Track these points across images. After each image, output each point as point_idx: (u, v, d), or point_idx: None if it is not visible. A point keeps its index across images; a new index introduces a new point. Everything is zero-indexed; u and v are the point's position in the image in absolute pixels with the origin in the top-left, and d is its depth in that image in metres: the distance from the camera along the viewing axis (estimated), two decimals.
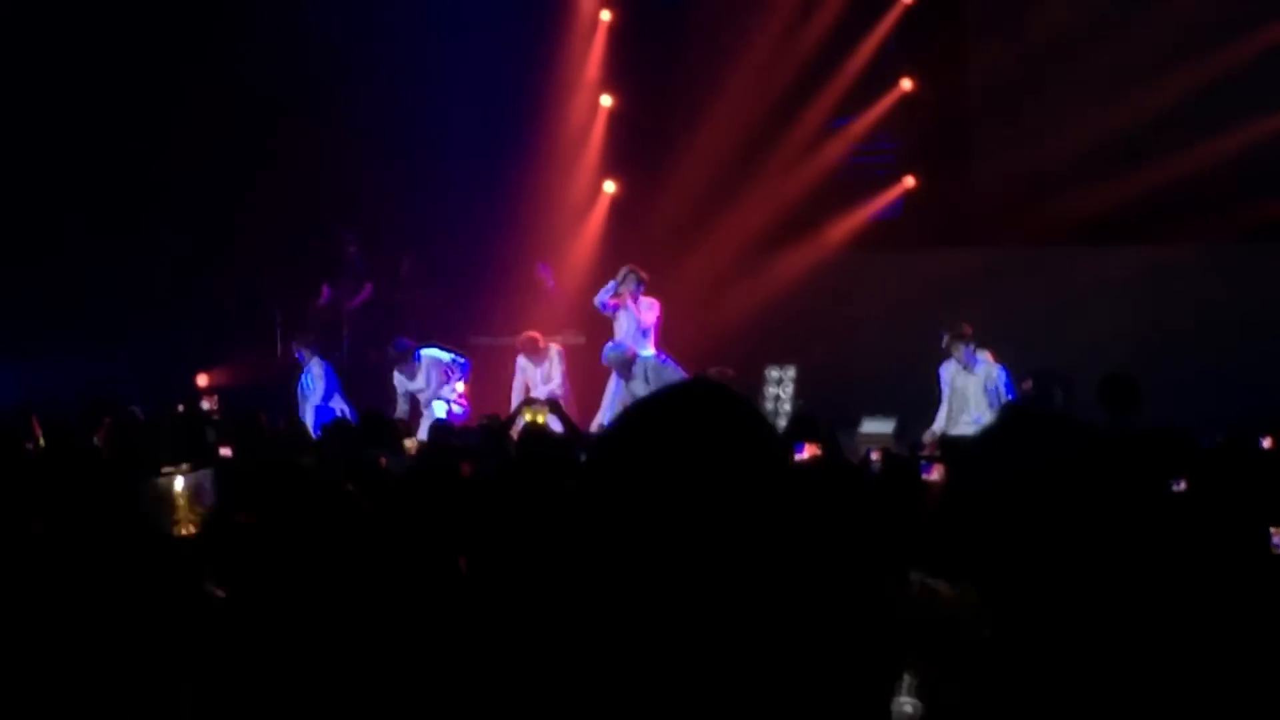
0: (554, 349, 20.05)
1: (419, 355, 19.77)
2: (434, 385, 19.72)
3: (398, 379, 19.84)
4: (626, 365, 18.61)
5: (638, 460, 2.73)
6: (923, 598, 3.35)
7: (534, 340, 19.88)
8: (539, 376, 19.85)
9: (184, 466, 4.77)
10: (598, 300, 19.55)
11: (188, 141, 21.46)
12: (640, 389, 18.07)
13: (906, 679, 3.08)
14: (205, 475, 4.74)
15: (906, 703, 3.06)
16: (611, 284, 19.42)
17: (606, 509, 2.72)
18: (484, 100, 21.53)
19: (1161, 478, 8.77)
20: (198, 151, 21.58)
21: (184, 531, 4.67)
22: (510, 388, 19.92)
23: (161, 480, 4.72)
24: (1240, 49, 20.11)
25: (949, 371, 17.87)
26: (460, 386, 19.94)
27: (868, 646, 2.84)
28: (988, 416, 16.83)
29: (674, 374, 18.17)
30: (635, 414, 2.85)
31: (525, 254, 21.98)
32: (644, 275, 19.41)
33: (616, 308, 19.40)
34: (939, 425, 17.75)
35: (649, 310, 19.23)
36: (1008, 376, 17.68)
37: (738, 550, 2.67)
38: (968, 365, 17.68)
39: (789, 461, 2.84)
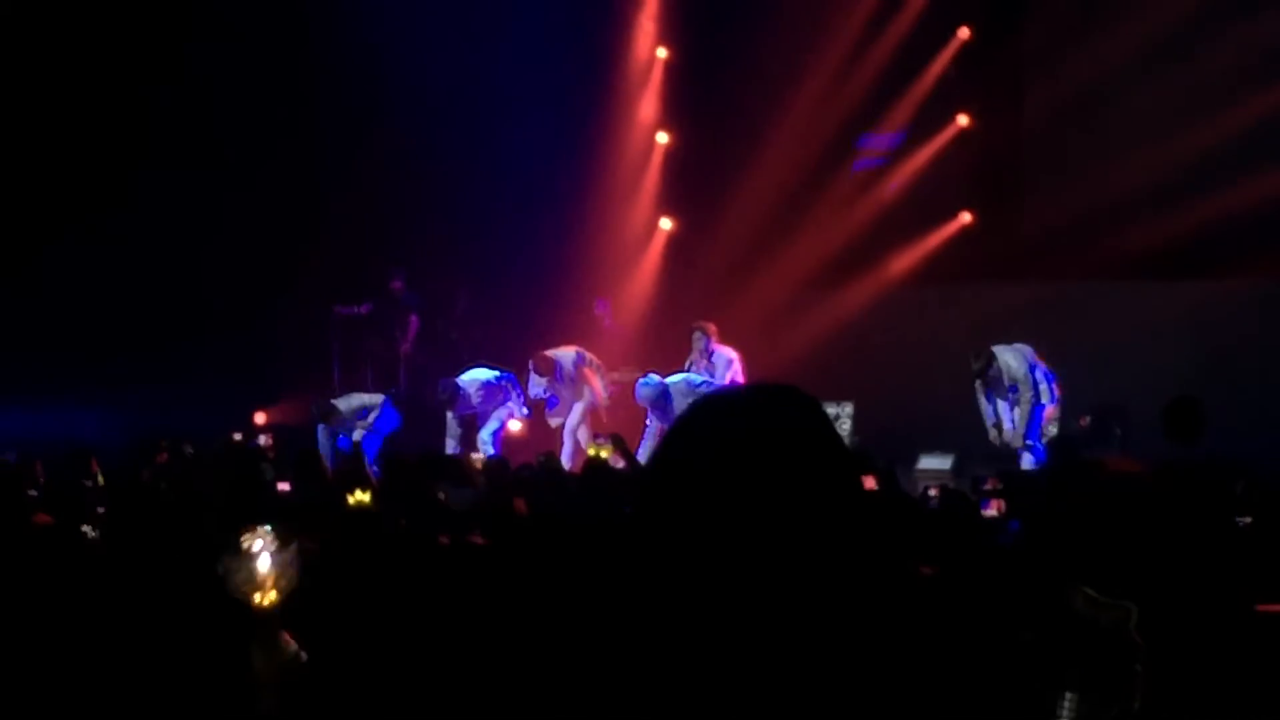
0: (568, 357, 19.92)
1: (461, 387, 19.84)
2: (486, 403, 19.82)
3: (451, 418, 19.91)
4: (662, 399, 18.45)
5: (705, 451, 2.70)
6: (1087, 613, 3.33)
7: (545, 359, 19.83)
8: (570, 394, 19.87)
9: (265, 532, 4.73)
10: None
11: (245, 183, 21.62)
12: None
13: (1067, 699, 3.04)
14: (292, 552, 4.71)
15: None
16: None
17: (672, 507, 2.69)
18: (540, 138, 21.57)
19: (1227, 512, 8.72)
20: (255, 193, 21.74)
21: (264, 602, 4.65)
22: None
23: (244, 552, 4.69)
24: None
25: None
26: (516, 426, 20.02)
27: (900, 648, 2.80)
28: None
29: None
30: (703, 409, 2.81)
31: (583, 291, 22.01)
32: (710, 328, 19.31)
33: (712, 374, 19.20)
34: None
35: (727, 368, 19.13)
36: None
37: (807, 549, 2.64)
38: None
39: (856, 463, 2.79)
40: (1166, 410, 13.11)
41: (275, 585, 4.56)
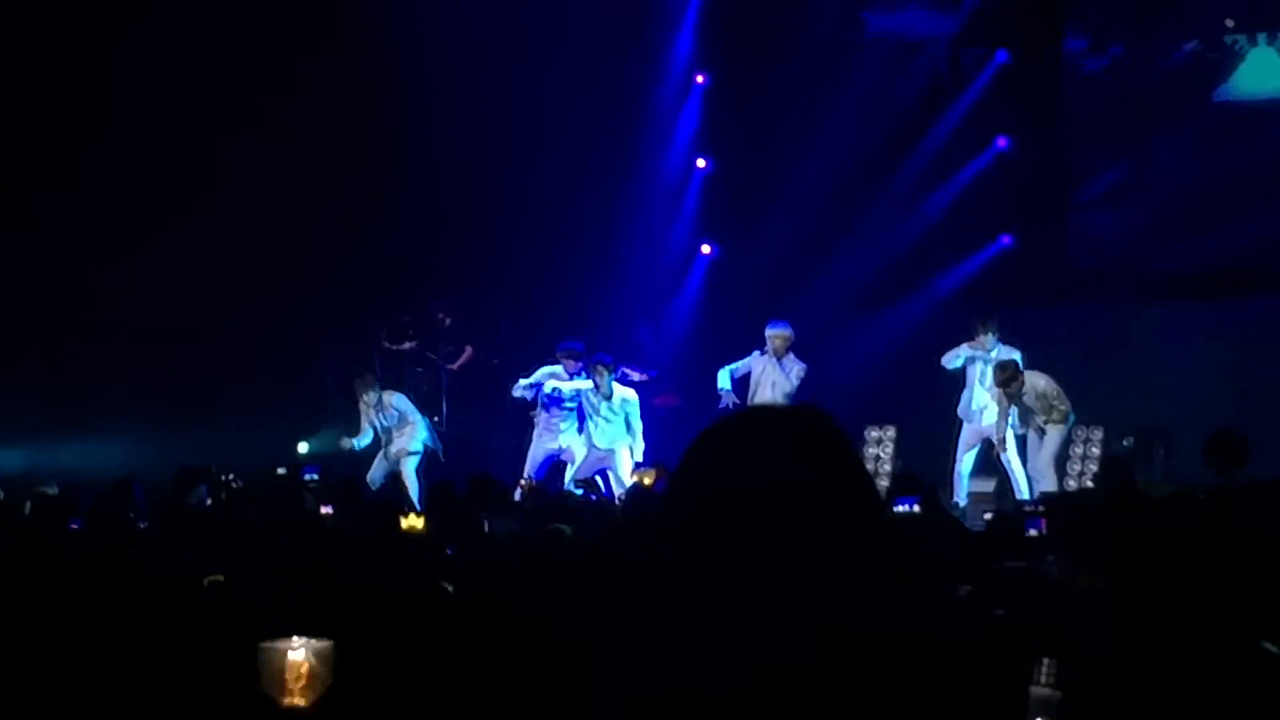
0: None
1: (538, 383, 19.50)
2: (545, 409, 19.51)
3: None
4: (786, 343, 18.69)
5: (720, 464, 2.70)
6: (1064, 586, 3.35)
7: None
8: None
9: (298, 640, 4.61)
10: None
11: (284, 215, 21.67)
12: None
13: (1045, 664, 3.05)
14: (325, 655, 4.58)
15: (1045, 690, 3.03)
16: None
17: (685, 518, 2.69)
18: (579, 163, 21.64)
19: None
20: (295, 224, 21.80)
21: (293, 703, 4.56)
22: None
23: (277, 649, 4.56)
24: None
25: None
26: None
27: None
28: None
29: None
30: (717, 429, 2.81)
31: (624, 316, 22.01)
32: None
33: None
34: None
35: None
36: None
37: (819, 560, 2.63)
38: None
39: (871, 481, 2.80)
40: (1208, 442, 13.03)
41: (305, 691, 4.46)
